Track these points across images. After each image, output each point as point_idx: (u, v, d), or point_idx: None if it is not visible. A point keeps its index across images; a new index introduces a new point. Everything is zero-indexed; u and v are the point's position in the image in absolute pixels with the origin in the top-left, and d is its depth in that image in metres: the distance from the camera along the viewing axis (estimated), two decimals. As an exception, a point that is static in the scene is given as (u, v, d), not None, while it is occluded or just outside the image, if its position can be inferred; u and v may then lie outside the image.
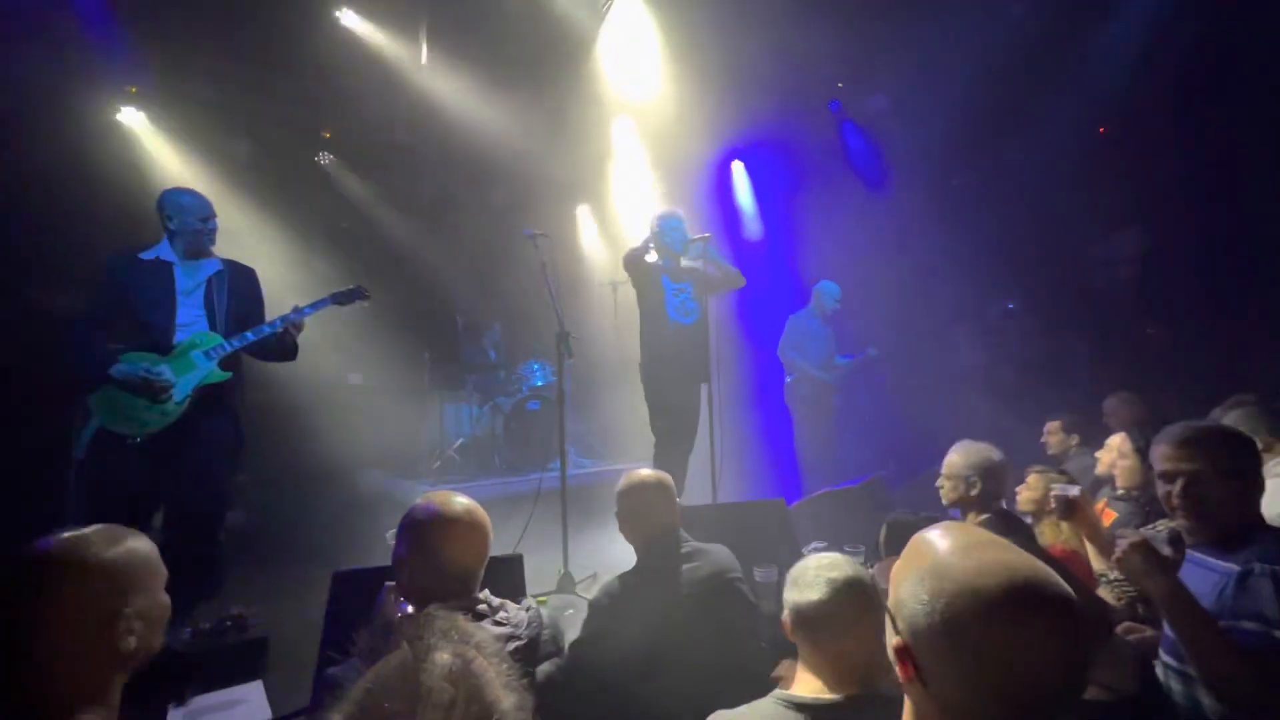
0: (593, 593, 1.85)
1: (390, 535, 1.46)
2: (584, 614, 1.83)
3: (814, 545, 2.66)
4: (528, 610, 1.45)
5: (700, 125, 6.14)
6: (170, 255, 2.70)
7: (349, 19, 5.16)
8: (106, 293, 2.58)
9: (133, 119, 5.17)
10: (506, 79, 5.67)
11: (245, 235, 5.14)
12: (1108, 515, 2.53)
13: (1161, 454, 1.53)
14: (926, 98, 5.73)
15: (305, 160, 6.04)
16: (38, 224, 4.32)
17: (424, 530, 1.36)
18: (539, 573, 3.24)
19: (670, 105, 5.93)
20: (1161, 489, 1.53)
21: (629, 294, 3.93)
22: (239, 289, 2.80)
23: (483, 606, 1.37)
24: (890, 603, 0.81)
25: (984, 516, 2.13)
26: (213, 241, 2.78)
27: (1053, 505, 2.20)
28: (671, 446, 3.70)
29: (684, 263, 3.86)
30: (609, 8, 5.43)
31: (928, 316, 6.07)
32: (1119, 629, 1.76)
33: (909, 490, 4.28)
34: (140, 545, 1.03)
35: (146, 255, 2.68)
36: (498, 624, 1.35)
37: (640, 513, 1.90)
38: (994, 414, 5.14)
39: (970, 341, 6.03)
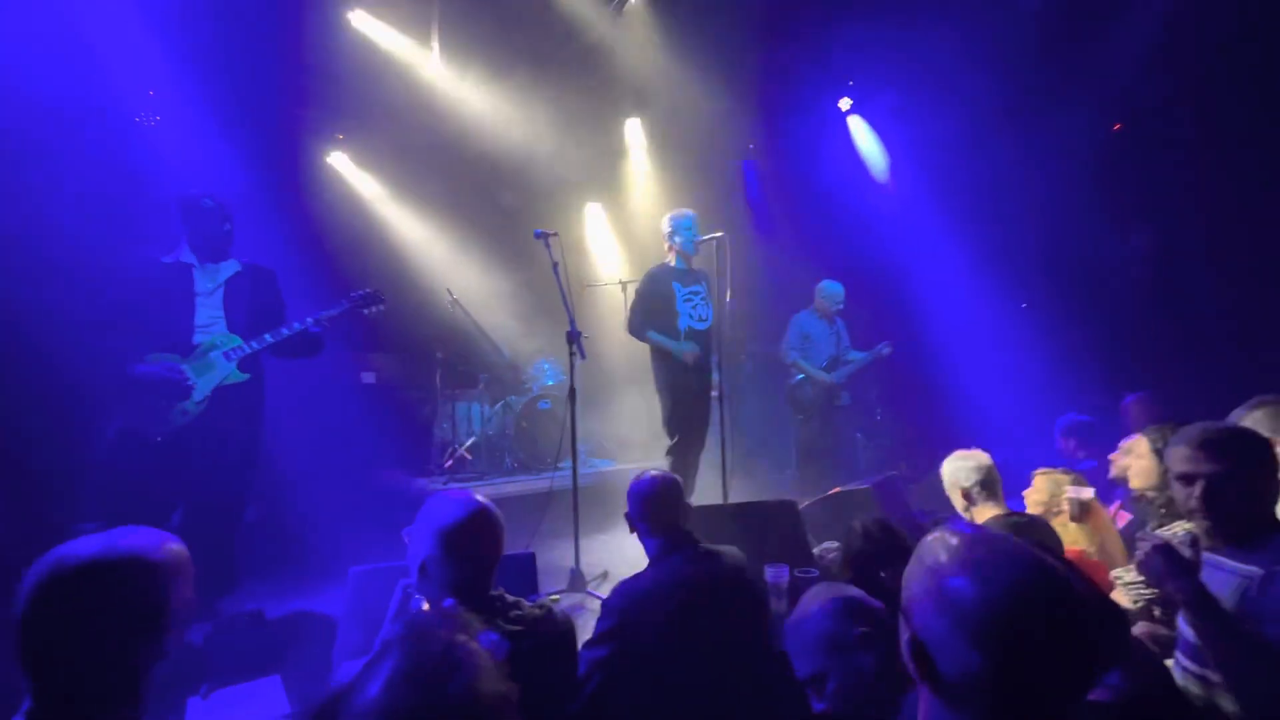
0: (604, 592, 1.87)
1: (406, 533, 1.49)
2: (595, 613, 1.84)
3: (826, 545, 2.66)
4: (541, 608, 1.47)
5: (712, 122, 6.14)
6: (189, 257, 2.74)
7: (360, 20, 5.21)
8: (125, 294, 2.63)
9: (148, 122, 5.23)
10: (518, 79, 5.69)
11: (257, 236, 5.20)
12: (1121, 518, 2.51)
13: (1179, 456, 1.52)
14: (939, 94, 5.69)
15: (317, 161, 6.10)
16: (57, 224, 4.39)
17: (439, 528, 1.39)
18: (550, 572, 3.26)
19: (682, 104, 5.93)
20: (1179, 491, 1.51)
21: (640, 294, 3.93)
22: (259, 290, 2.84)
23: (497, 604, 1.39)
24: (903, 600, 0.83)
25: (995, 514, 2.13)
26: (230, 243, 2.82)
27: (1065, 507, 2.19)
28: (684, 448, 3.72)
29: (696, 263, 3.87)
30: (621, 6, 5.44)
31: (940, 315, 6.03)
32: (1137, 631, 1.75)
33: (921, 489, 4.26)
34: (176, 545, 1.06)
35: (167, 258, 2.73)
36: (511, 621, 1.37)
37: (650, 513, 1.91)
38: (1006, 413, 5.11)
39: (983, 340, 5.98)
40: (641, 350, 3.94)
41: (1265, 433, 1.59)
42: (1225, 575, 1.44)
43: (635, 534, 1.96)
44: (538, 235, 3.59)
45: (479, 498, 1.46)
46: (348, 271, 5.24)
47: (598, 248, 7.25)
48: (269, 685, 2.05)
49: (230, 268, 2.82)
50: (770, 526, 2.85)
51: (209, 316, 2.70)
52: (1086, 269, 5.79)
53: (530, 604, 1.47)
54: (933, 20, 5.14)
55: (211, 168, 5.34)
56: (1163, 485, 2.08)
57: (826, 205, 6.39)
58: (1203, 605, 1.35)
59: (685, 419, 3.73)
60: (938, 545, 0.81)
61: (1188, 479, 1.49)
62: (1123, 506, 2.56)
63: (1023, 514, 2.26)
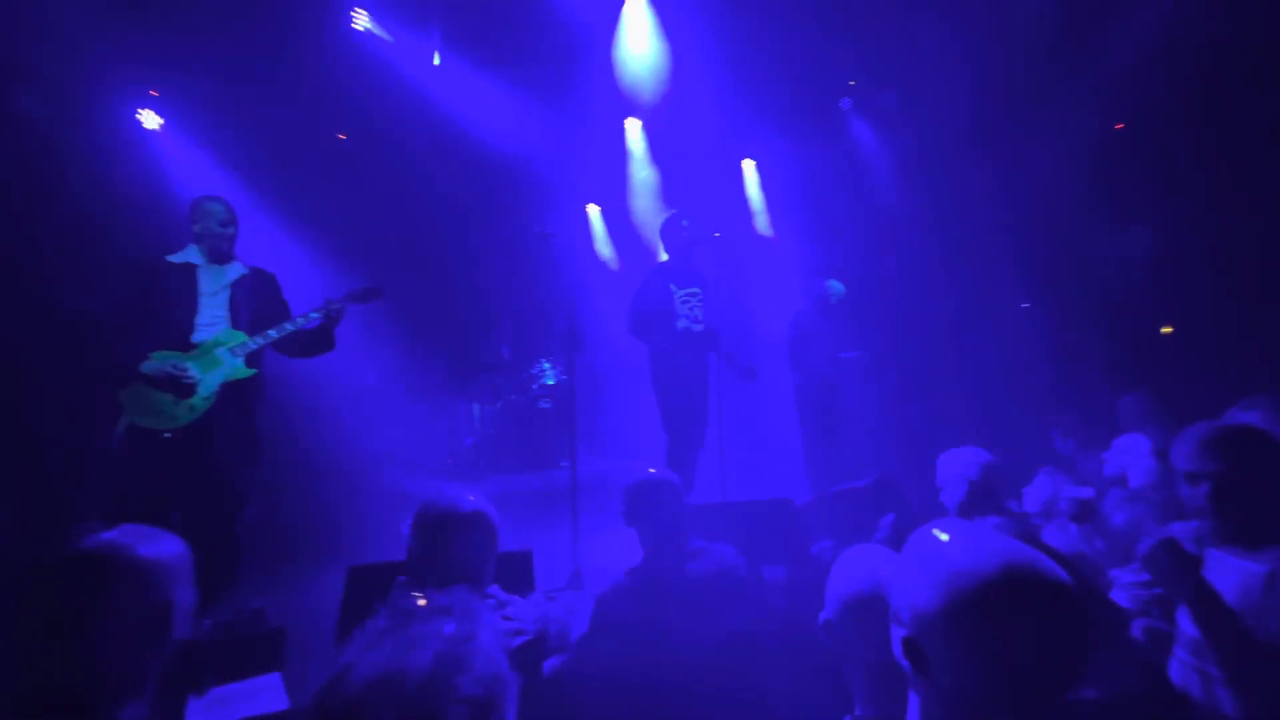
0: (601, 589, 1.88)
1: (406, 527, 1.50)
2: (592, 610, 1.85)
3: (823, 545, 2.67)
4: (536, 606, 1.48)
5: (711, 123, 6.14)
6: (196, 259, 2.80)
7: (362, 21, 5.22)
8: (131, 293, 2.69)
9: (153, 121, 5.26)
10: (518, 79, 5.70)
11: (261, 235, 5.22)
12: (1116, 517, 2.51)
13: (1186, 454, 1.53)
14: (939, 93, 5.68)
15: (319, 161, 6.12)
16: (65, 224, 4.41)
17: (434, 525, 1.40)
18: (550, 569, 3.27)
19: (681, 104, 5.94)
20: (1185, 489, 1.52)
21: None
22: (260, 294, 2.90)
23: (490, 601, 1.40)
24: (895, 598, 0.84)
25: (992, 519, 2.13)
26: (232, 246, 2.89)
27: (1067, 507, 2.19)
28: (681, 446, 3.73)
29: (693, 263, 3.88)
30: (620, 6, 5.45)
31: (940, 315, 6.03)
32: (1137, 626, 1.75)
33: (919, 489, 4.26)
34: (178, 544, 1.08)
35: (174, 258, 2.79)
36: (505, 619, 1.38)
37: (646, 511, 1.93)
38: (1005, 413, 5.11)
39: (983, 340, 5.98)
40: (640, 349, 3.96)
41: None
42: (1231, 573, 1.44)
43: (632, 529, 1.98)
44: (537, 234, 3.60)
45: (470, 496, 1.47)
46: (350, 270, 5.26)
47: (597, 247, 7.27)
48: (269, 682, 2.07)
49: (236, 270, 2.88)
50: (768, 525, 2.85)
51: (212, 316, 2.75)
52: (1087, 269, 5.79)
53: (525, 601, 1.49)
54: (934, 20, 5.14)
55: (215, 166, 5.38)
56: (1163, 484, 2.08)
57: (826, 205, 6.39)
58: (1206, 602, 1.36)
59: (682, 418, 3.74)
60: (928, 542, 0.82)
61: (1194, 478, 1.50)
62: (1119, 505, 2.56)
63: (1016, 513, 2.26)
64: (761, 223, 6.79)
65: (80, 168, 4.48)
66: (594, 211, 7.30)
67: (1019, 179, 5.74)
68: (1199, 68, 4.87)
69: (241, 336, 2.74)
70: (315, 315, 2.86)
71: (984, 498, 2.23)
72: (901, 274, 6.11)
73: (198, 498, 2.67)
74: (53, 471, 3.77)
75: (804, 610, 2.25)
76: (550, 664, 1.58)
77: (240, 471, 2.80)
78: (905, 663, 0.80)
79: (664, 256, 3.88)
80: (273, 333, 2.78)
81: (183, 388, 2.58)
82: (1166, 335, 5.17)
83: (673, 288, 3.76)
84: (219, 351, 2.69)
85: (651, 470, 2.01)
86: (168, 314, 2.67)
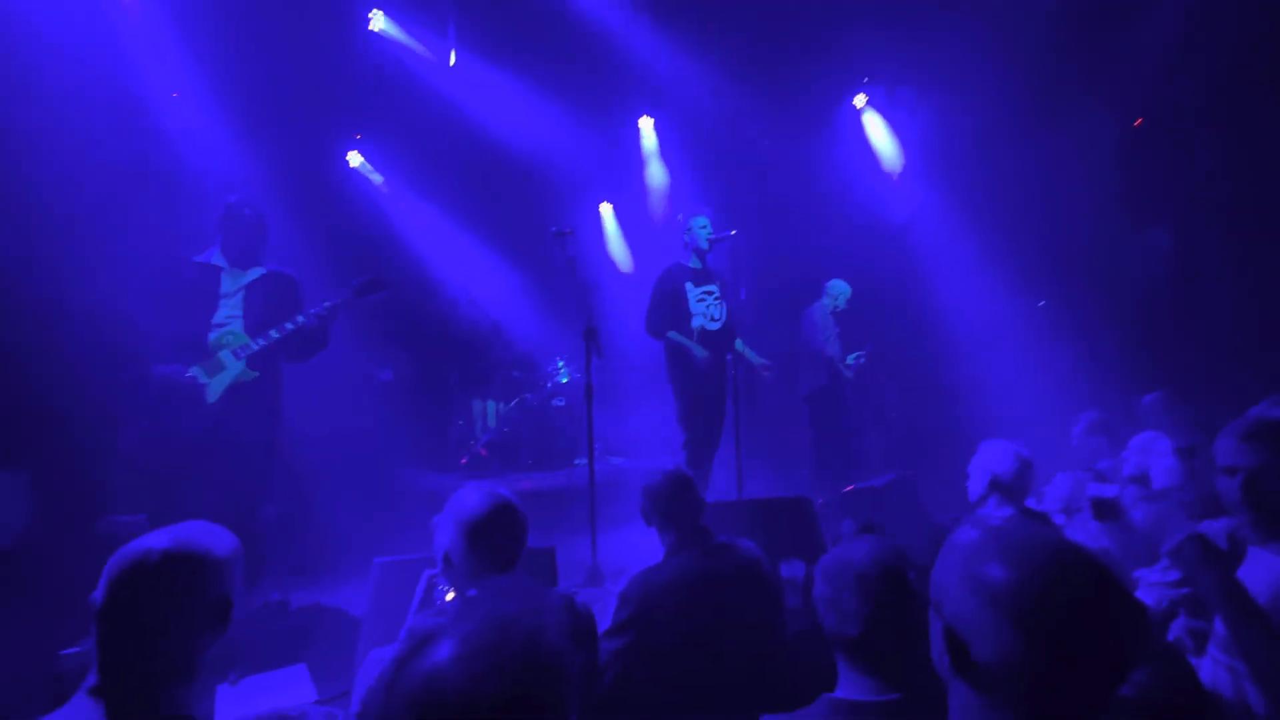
0: (621, 586, 1.90)
1: (435, 521, 1.53)
2: (612, 607, 1.87)
3: (847, 523, 2.66)
4: (565, 599, 1.50)
5: (726, 121, 6.14)
6: (220, 260, 2.81)
7: (379, 22, 5.27)
8: (154, 292, 2.72)
9: (174, 122, 5.34)
10: (533, 78, 5.73)
11: (276, 235, 5.28)
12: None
13: (1224, 449, 1.52)
14: (958, 91, 5.65)
15: (337, 160, 6.18)
16: (88, 218, 4.48)
17: (466, 519, 1.42)
18: (568, 567, 3.30)
19: (695, 101, 5.94)
20: (1223, 484, 1.51)
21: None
22: (276, 294, 2.87)
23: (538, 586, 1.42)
24: (933, 593, 0.85)
25: (1008, 514, 2.12)
26: (259, 250, 2.88)
27: (1091, 505, 2.17)
28: (699, 445, 3.75)
29: (710, 261, 3.89)
30: (635, 6, 5.46)
31: (957, 314, 5.99)
32: (1179, 626, 1.73)
33: (937, 488, 4.25)
34: (234, 541, 1.16)
35: (199, 258, 2.80)
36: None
37: (664, 508, 1.94)
38: (1024, 412, 5.07)
39: (1002, 338, 5.94)
40: (656, 347, 3.97)
41: None
42: (1267, 569, 1.43)
43: (652, 528, 1.99)
44: (554, 233, 3.61)
45: (500, 491, 1.50)
46: (365, 269, 5.31)
47: (612, 245, 7.29)
48: (296, 673, 2.10)
49: (256, 271, 2.87)
50: (785, 523, 2.86)
51: (226, 317, 2.75)
52: (1105, 267, 5.73)
53: (553, 594, 1.50)
54: (950, 17, 5.11)
55: (233, 166, 5.44)
56: (1185, 483, 2.07)
57: (843, 203, 6.36)
58: (1233, 597, 1.34)
59: (700, 417, 3.76)
60: (970, 535, 0.83)
61: (1231, 471, 1.49)
62: (1137, 504, 2.54)
63: (1035, 512, 2.26)
64: (776, 219, 6.77)
65: (105, 163, 4.56)
66: (608, 210, 7.32)
67: (1038, 177, 5.69)
68: (1221, 66, 4.81)
69: (243, 338, 2.73)
70: (314, 314, 2.80)
71: (1006, 493, 2.22)
72: (919, 271, 6.07)
73: (216, 496, 2.69)
74: (80, 465, 3.84)
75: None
76: (576, 658, 1.60)
77: (257, 470, 2.81)
78: (945, 657, 0.81)
79: (681, 256, 3.89)
80: (274, 333, 2.74)
81: (189, 395, 2.59)
82: (1187, 333, 5.11)
83: (689, 286, 3.77)
84: (223, 354, 2.69)
85: (670, 468, 2.02)
86: (188, 314, 2.69)
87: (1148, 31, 5.13)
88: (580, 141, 6.31)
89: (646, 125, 6.65)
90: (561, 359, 6.06)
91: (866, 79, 6.28)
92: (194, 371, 2.61)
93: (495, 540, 1.41)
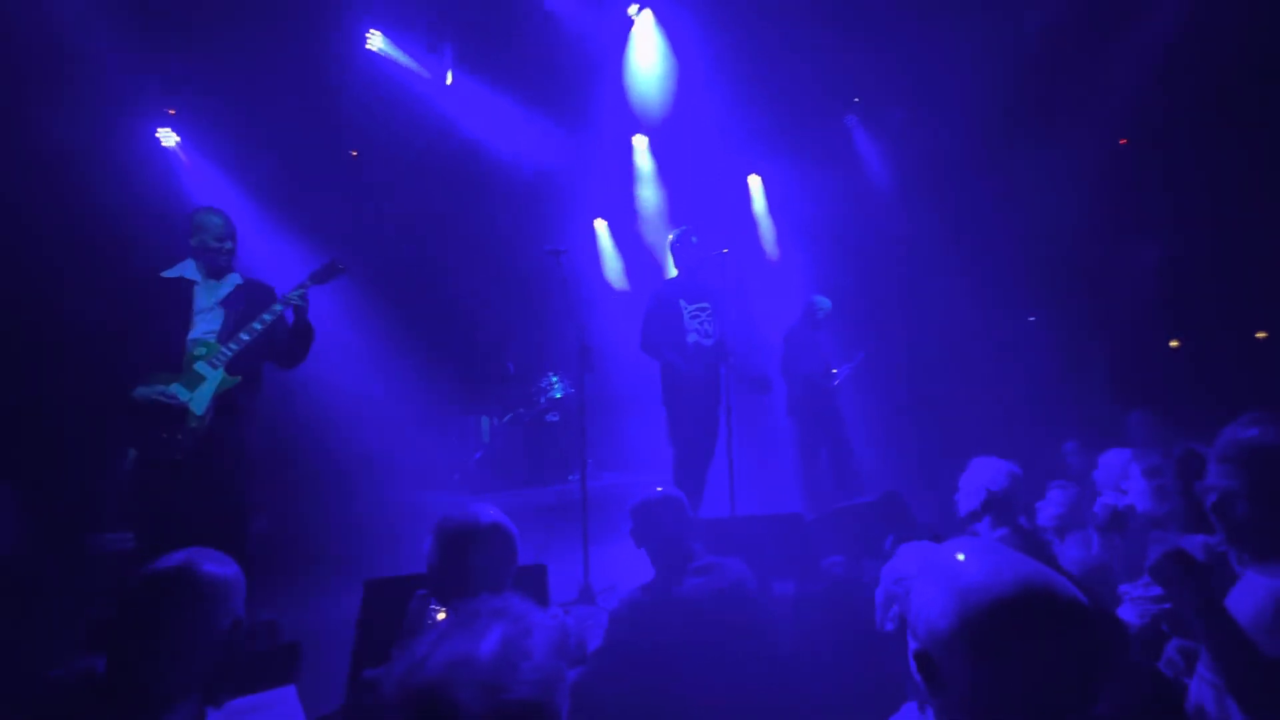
0: (613, 604, 1.90)
1: (425, 544, 1.53)
2: (604, 624, 1.87)
3: (832, 559, 2.68)
4: (553, 618, 1.50)
5: (718, 140, 6.22)
6: (193, 273, 2.75)
7: (376, 41, 5.34)
8: (126, 310, 2.67)
9: (170, 139, 5.37)
10: (528, 97, 5.80)
11: (272, 250, 5.31)
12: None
13: (1210, 466, 1.54)
14: (945, 109, 5.75)
15: (332, 177, 6.21)
16: (80, 241, 4.49)
17: (455, 538, 1.43)
18: (559, 583, 3.28)
19: (687, 120, 6.02)
20: (1210, 501, 1.53)
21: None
22: (252, 303, 2.81)
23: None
24: (909, 615, 0.86)
25: (1001, 532, 2.14)
26: (230, 262, 2.82)
27: (1098, 515, 2.20)
28: (690, 462, 3.75)
29: (702, 279, 3.93)
30: (628, 26, 5.55)
31: (947, 330, 6.04)
32: (1171, 647, 1.74)
33: (928, 504, 4.26)
34: (236, 567, 1.20)
35: (169, 273, 2.74)
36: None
37: (654, 530, 1.95)
38: (1014, 427, 5.10)
39: (991, 355, 5.99)
40: (649, 363, 3.99)
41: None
42: (1252, 588, 1.45)
43: (641, 548, 2.00)
44: (548, 251, 3.65)
45: (490, 510, 1.50)
46: (360, 281, 5.33)
47: (607, 262, 7.33)
48: (284, 695, 2.09)
49: (231, 283, 2.82)
50: (777, 540, 2.86)
51: (205, 332, 2.70)
52: (1093, 282, 5.80)
53: (543, 614, 1.51)
54: (939, 38, 5.21)
55: (230, 184, 5.47)
56: (1158, 504, 2.10)
57: (833, 220, 6.44)
58: (1211, 614, 1.35)
59: (691, 433, 3.77)
60: (942, 559, 0.85)
61: (1217, 489, 1.51)
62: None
63: (1026, 528, 2.27)
64: (768, 238, 6.84)
65: (100, 183, 4.58)
66: (602, 227, 7.38)
67: (1026, 193, 5.78)
68: (1204, 83, 4.92)
69: (216, 346, 2.67)
70: (278, 308, 2.74)
71: (999, 510, 2.24)
72: (909, 288, 6.13)
73: (204, 512, 2.66)
74: (70, 484, 3.81)
75: (813, 625, 2.27)
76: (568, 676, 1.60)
77: (245, 482, 2.78)
78: (918, 676, 0.82)
79: (673, 272, 3.92)
80: (244, 336, 2.68)
81: (173, 413, 2.54)
82: (1174, 348, 5.17)
83: (682, 303, 3.80)
84: (198, 366, 2.63)
85: (659, 489, 2.02)
86: (163, 331, 2.63)
87: (1131, 51, 5.25)
88: (575, 159, 6.38)
89: (640, 143, 6.73)
90: (555, 374, 6.06)
91: (857, 99, 6.39)
92: (174, 389, 2.56)
93: (484, 560, 1.42)
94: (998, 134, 5.62)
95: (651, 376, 3.98)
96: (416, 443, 5.82)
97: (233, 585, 1.14)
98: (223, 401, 2.65)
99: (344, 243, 5.89)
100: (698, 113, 5.86)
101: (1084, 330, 5.63)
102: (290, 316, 2.80)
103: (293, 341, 2.85)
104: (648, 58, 5.59)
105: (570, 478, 5.36)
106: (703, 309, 3.84)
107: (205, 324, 2.71)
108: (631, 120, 6.34)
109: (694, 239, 3.85)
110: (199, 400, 2.60)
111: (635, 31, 5.56)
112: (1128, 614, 2.04)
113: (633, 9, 5.46)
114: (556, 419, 5.69)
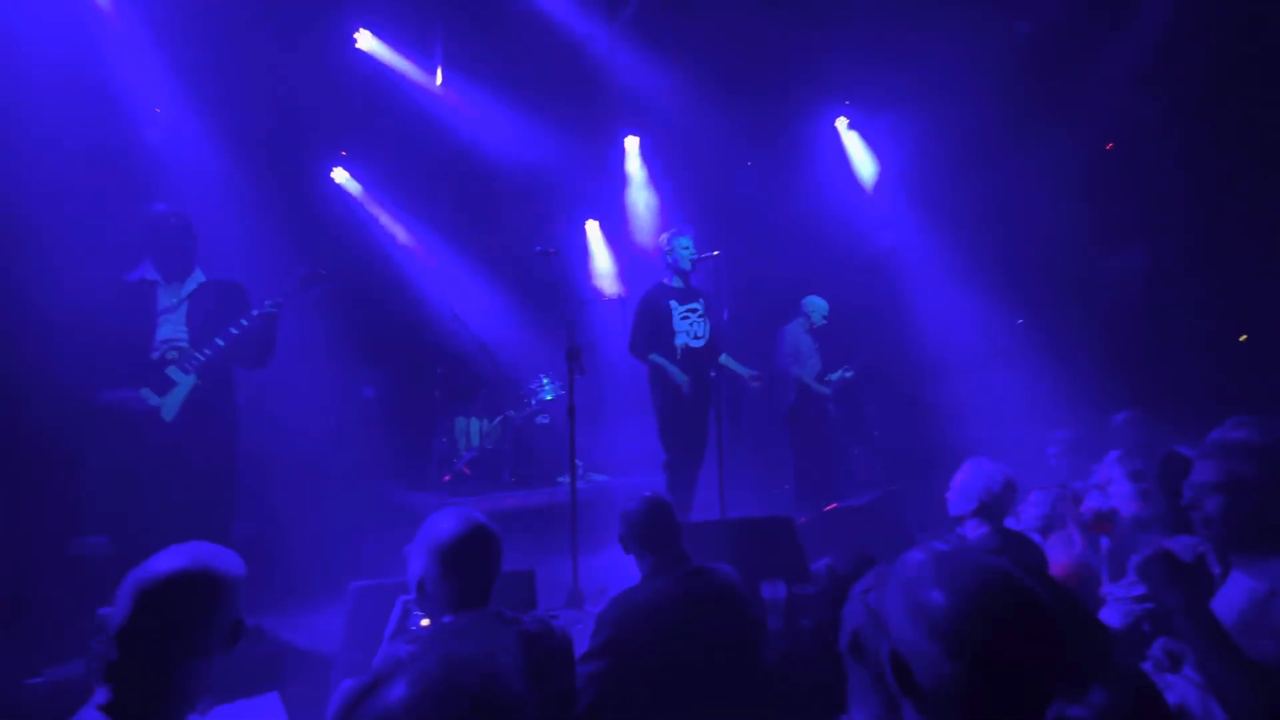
0: (600, 608, 1.89)
1: (407, 550, 1.51)
2: (592, 629, 1.86)
3: (822, 563, 2.67)
4: (541, 625, 1.49)
5: (710, 142, 6.23)
6: (153, 274, 2.69)
7: (365, 40, 5.30)
8: (89, 315, 2.61)
9: (156, 137, 5.31)
10: (520, 97, 5.79)
11: (258, 251, 5.26)
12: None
13: (1196, 468, 1.55)
14: (933, 114, 5.79)
15: (321, 177, 6.17)
16: (55, 237, 4.42)
17: (437, 545, 1.42)
18: (548, 587, 3.27)
19: (679, 121, 6.03)
20: (1196, 503, 1.54)
21: (638, 309, 3.98)
22: (222, 303, 2.77)
23: (497, 620, 1.41)
24: (881, 616, 0.88)
25: (984, 531, 2.15)
26: (191, 260, 2.77)
27: (1084, 515, 2.21)
28: (680, 464, 3.75)
29: (693, 281, 3.93)
30: (620, 27, 5.55)
31: (936, 332, 6.08)
32: (1160, 644, 1.75)
33: (918, 507, 4.28)
34: (237, 562, 1.16)
35: (131, 275, 2.69)
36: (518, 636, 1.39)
37: (640, 535, 1.94)
38: (1002, 429, 5.14)
39: (979, 357, 6.03)
40: (640, 366, 3.99)
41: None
42: (1236, 589, 1.46)
43: (629, 554, 1.99)
44: (539, 252, 3.63)
45: (477, 514, 1.49)
46: (349, 286, 5.30)
47: (598, 263, 7.32)
48: (268, 702, 2.06)
49: (194, 281, 2.76)
50: (767, 543, 2.87)
51: (172, 332, 2.66)
52: (1079, 286, 5.86)
53: (530, 620, 1.49)
54: (928, 42, 5.25)
55: (214, 183, 5.41)
56: (1142, 506, 2.11)
57: (823, 222, 6.46)
58: (1195, 614, 1.36)
59: (681, 436, 3.76)
60: (913, 562, 0.87)
61: (1203, 489, 1.52)
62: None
63: (1013, 531, 2.28)
64: (758, 239, 6.85)
65: (81, 181, 4.51)
66: (593, 228, 7.37)
67: (1013, 199, 5.83)
68: (1189, 90, 4.98)
69: (189, 351, 2.64)
70: (256, 315, 2.70)
71: (989, 514, 2.25)
72: (896, 291, 6.17)
73: (181, 516, 2.63)
74: (48, 486, 3.75)
75: (803, 628, 2.26)
76: (553, 682, 1.59)
77: (222, 484, 2.75)
78: (891, 678, 0.84)
79: (664, 274, 3.92)
80: (219, 341, 2.64)
81: (142, 417, 2.50)
82: (1159, 353, 5.22)
83: (673, 305, 3.80)
84: (170, 370, 2.60)
85: (646, 494, 2.01)
86: (126, 335, 2.58)
87: (1116, 58, 5.31)
88: (566, 160, 6.36)
89: (632, 145, 6.73)
90: (545, 376, 6.04)
91: (847, 101, 6.42)
92: (144, 393, 2.53)
93: (468, 568, 1.40)
94: (986, 137, 5.66)
95: (643, 378, 3.98)
96: (406, 445, 5.78)
97: (238, 583, 1.12)
98: (194, 406, 2.61)
99: (331, 242, 5.87)
100: (689, 114, 5.86)
101: (1071, 333, 5.68)
102: (256, 324, 2.73)
103: (260, 347, 2.80)
104: (639, 56, 5.58)
105: (560, 480, 5.33)
106: (693, 311, 3.84)
107: (171, 325, 2.67)
108: (623, 121, 6.34)
109: (685, 240, 3.85)
110: (169, 405, 2.57)
111: (627, 30, 5.55)
112: (1111, 615, 2.05)
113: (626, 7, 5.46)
114: (547, 421, 5.67)
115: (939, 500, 2.47)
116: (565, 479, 3.60)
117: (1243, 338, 5.12)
